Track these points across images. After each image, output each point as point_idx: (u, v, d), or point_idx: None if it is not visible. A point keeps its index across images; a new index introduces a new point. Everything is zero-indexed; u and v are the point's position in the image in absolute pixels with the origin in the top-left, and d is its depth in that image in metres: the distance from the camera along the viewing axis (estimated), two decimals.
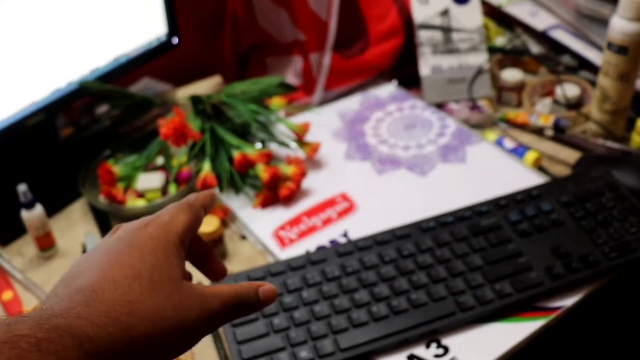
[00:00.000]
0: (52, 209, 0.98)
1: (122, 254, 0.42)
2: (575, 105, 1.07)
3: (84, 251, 0.92)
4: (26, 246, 0.93)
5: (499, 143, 1.02)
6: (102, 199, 0.95)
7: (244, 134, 0.99)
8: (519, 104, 1.11)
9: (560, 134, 1.04)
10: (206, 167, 0.93)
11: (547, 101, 1.09)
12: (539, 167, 1.00)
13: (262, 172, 0.93)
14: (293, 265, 0.84)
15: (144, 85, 1.16)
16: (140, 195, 0.96)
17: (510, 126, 1.07)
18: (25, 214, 0.89)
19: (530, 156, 0.99)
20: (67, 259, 0.92)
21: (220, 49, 1.13)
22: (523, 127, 1.06)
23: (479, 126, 1.07)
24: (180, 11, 1.08)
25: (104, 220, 0.96)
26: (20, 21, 0.90)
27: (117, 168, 0.96)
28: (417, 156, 1.01)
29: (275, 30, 1.11)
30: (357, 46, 1.12)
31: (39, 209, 0.89)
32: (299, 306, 0.80)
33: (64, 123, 1.07)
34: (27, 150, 1.02)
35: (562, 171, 0.99)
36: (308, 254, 0.85)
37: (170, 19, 1.06)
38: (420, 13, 1.08)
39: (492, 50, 1.16)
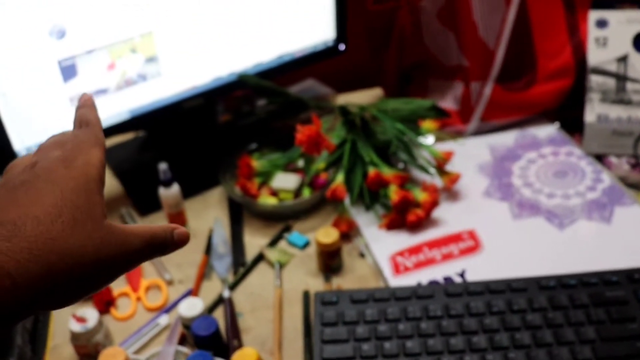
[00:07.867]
0: (193, 190, 1.03)
1: (43, 193, 0.42)
2: None
3: (210, 236, 0.96)
4: (161, 220, 0.99)
5: None
6: (237, 190, 0.99)
7: (387, 152, 0.98)
8: None
9: None
10: (339, 178, 0.94)
11: None
12: None
13: (393, 193, 0.92)
14: (398, 295, 0.83)
15: (308, 86, 1.19)
16: (274, 193, 0.98)
17: None
18: (162, 191, 0.94)
19: None
20: (195, 240, 0.96)
21: (384, 63, 1.13)
22: None
23: (637, 187, 0.99)
24: (352, 19, 1.09)
25: (237, 211, 1.00)
26: (192, 9, 0.95)
27: (258, 163, 1.00)
28: (559, 206, 0.95)
29: (441, 52, 1.08)
30: (523, 80, 1.06)
31: (175, 188, 0.94)
32: (392, 337, 0.79)
33: (223, 110, 1.12)
34: (185, 130, 1.08)
35: None
36: (416, 286, 0.84)
37: (340, 26, 1.08)
38: (595, 56, 1.01)
39: None
